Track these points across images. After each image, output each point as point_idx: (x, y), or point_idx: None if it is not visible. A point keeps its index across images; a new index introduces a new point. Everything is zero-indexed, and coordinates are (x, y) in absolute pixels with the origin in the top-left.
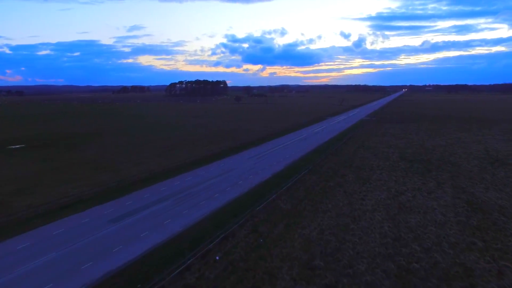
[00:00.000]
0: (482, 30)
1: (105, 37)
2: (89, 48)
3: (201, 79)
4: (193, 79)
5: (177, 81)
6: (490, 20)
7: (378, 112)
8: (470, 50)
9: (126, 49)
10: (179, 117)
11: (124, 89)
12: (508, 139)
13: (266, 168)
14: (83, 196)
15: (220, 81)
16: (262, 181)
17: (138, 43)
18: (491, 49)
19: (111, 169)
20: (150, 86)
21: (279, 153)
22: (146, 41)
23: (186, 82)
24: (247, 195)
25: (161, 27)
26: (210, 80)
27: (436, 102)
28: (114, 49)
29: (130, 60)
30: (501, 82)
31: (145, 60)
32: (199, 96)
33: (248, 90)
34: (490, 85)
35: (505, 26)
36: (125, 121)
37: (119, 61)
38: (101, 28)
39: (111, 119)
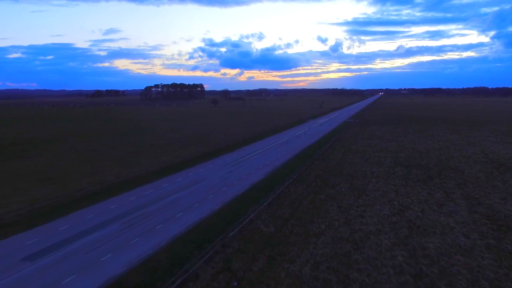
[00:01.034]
0: (453, 36)
1: (80, 40)
2: (63, 51)
3: (178, 83)
4: (170, 83)
5: (153, 85)
6: (460, 26)
7: (360, 114)
8: (443, 55)
9: (102, 53)
10: (152, 120)
11: (98, 93)
12: (502, 141)
13: (243, 178)
14: (6, 219)
15: (197, 84)
16: (238, 194)
17: (114, 47)
18: (462, 54)
19: (58, 181)
20: (127, 90)
21: (258, 159)
22: (123, 44)
23: (162, 86)
24: (218, 215)
25: (138, 31)
26: (187, 84)
27: (415, 105)
28: (89, 53)
29: (106, 64)
30: (471, 86)
31: (121, 64)
32: (176, 100)
33: (225, 94)
34: (462, 89)
35: (474, 32)
36: (92, 125)
37: (95, 65)
38: (75, 31)
39: (77, 123)
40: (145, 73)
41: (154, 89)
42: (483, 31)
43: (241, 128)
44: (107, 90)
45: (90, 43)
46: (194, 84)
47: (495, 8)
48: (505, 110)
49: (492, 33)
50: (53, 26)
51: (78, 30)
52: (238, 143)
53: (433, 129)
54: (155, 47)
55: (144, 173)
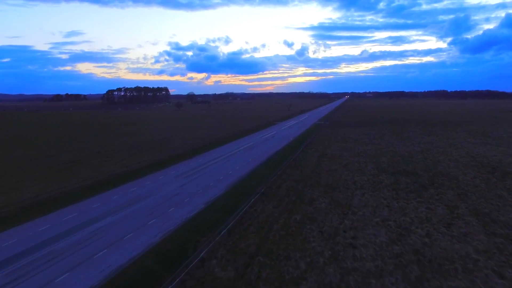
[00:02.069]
0: (414, 41)
1: (40, 43)
2: (21, 54)
3: (142, 86)
4: (134, 87)
5: (112, 87)
6: (420, 32)
7: (330, 116)
8: (404, 59)
9: (64, 56)
10: (107, 124)
11: (57, 97)
12: (482, 142)
13: (198, 194)
14: None
15: (161, 88)
16: (189, 218)
17: (76, 50)
18: (422, 59)
19: None
20: (90, 94)
21: (219, 167)
22: (85, 47)
23: (125, 89)
24: (156, 253)
25: (101, 33)
26: (151, 87)
27: (383, 107)
28: (49, 56)
29: (68, 68)
30: (431, 89)
31: (84, 67)
32: (140, 104)
33: (191, 97)
34: (423, 92)
35: (433, 38)
36: (38, 131)
37: (56, 69)
38: (34, 32)
39: (22, 129)
40: (110, 77)
41: (116, 93)
42: (441, 37)
43: (204, 132)
44: (67, 94)
45: (50, 45)
46: (158, 87)
47: (451, 16)
48: (470, 111)
49: (449, 39)
50: (10, 27)
51: (37, 32)
52: (199, 148)
53: (409, 131)
54: (119, 51)
55: (75, 189)
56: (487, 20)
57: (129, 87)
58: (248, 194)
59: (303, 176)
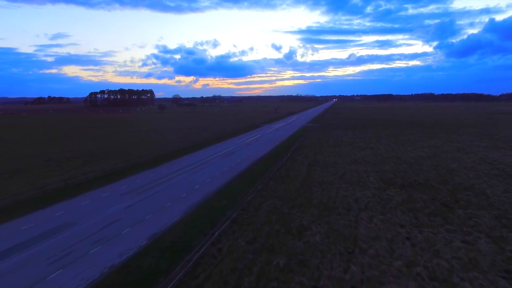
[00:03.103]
0: (400, 45)
1: (24, 45)
2: (5, 56)
3: (127, 89)
4: (118, 89)
5: (98, 91)
6: (407, 36)
7: (319, 118)
8: (391, 63)
9: (49, 59)
10: (78, 127)
11: (39, 100)
12: (493, 145)
13: (144, 221)
14: None
15: (146, 90)
16: (115, 266)
17: (62, 52)
18: (408, 63)
19: None
20: (76, 97)
21: (185, 180)
22: (72, 50)
23: (108, 92)
24: None
25: (88, 36)
26: (136, 90)
27: (373, 109)
28: (34, 58)
29: (54, 71)
30: (418, 92)
31: (70, 70)
32: (124, 106)
33: (177, 100)
34: (410, 95)
35: (419, 42)
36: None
37: (41, 71)
38: (19, 35)
39: None
40: (96, 80)
41: (100, 95)
42: (427, 41)
43: (181, 135)
44: (49, 97)
45: (35, 48)
46: (143, 90)
47: (437, 21)
48: (464, 113)
49: (435, 43)
50: None
51: (21, 34)
52: (169, 154)
53: (407, 133)
54: (106, 54)
55: None
56: (471, 25)
57: (113, 89)
58: (212, 221)
59: (290, 191)
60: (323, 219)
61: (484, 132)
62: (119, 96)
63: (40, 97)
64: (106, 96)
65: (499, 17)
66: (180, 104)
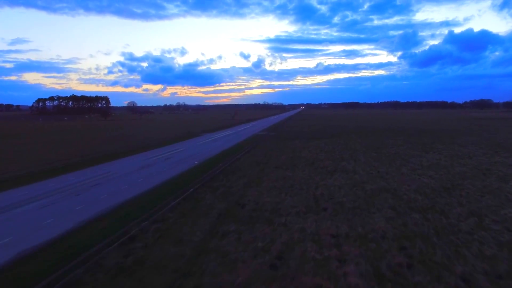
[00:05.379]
0: (366, 55)
1: None
2: None
3: (79, 95)
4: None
5: (47, 97)
6: (372, 46)
7: (279, 125)
8: (357, 72)
9: (8, 65)
10: None
11: None
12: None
13: None
14: None
15: (100, 97)
16: None
17: (22, 59)
18: (373, 72)
19: None
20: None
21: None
22: (33, 56)
23: (58, 98)
24: None
25: (50, 42)
26: (89, 96)
27: (341, 115)
28: None
29: (13, 78)
30: (382, 101)
31: (32, 77)
32: (74, 114)
33: (132, 108)
34: (376, 103)
35: (384, 52)
36: None
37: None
38: None
39: None
40: (60, 88)
41: (48, 102)
42: (391, 51)
43: (93, 145)
44: (0, 105)
45: None
46: (96, 96)
47: (400, 32)
48: (441, 120)
49: (399, 53)
50: None
51: None
52: (41, 172)
53: (390, 145)
54: (70, 61)
55: None
56: (433, 36)
57: (63, 96)
58: None
59: None
60: None
61: (492, 142)
62: (70, 103)
63: None
64: (55, 103)
65: (457, 30)
66: (135, 112)
